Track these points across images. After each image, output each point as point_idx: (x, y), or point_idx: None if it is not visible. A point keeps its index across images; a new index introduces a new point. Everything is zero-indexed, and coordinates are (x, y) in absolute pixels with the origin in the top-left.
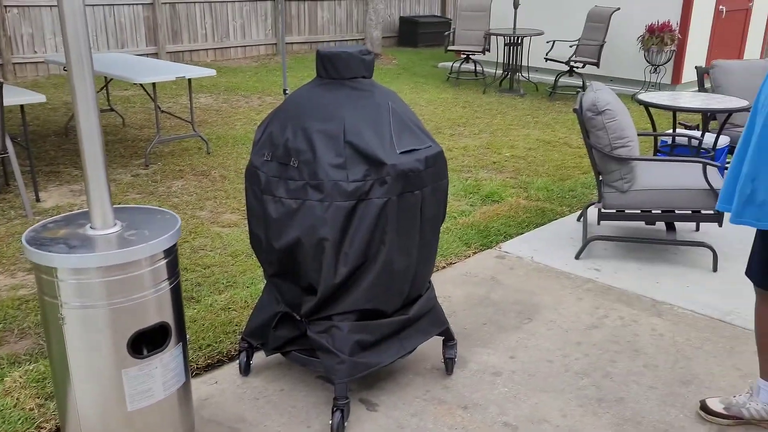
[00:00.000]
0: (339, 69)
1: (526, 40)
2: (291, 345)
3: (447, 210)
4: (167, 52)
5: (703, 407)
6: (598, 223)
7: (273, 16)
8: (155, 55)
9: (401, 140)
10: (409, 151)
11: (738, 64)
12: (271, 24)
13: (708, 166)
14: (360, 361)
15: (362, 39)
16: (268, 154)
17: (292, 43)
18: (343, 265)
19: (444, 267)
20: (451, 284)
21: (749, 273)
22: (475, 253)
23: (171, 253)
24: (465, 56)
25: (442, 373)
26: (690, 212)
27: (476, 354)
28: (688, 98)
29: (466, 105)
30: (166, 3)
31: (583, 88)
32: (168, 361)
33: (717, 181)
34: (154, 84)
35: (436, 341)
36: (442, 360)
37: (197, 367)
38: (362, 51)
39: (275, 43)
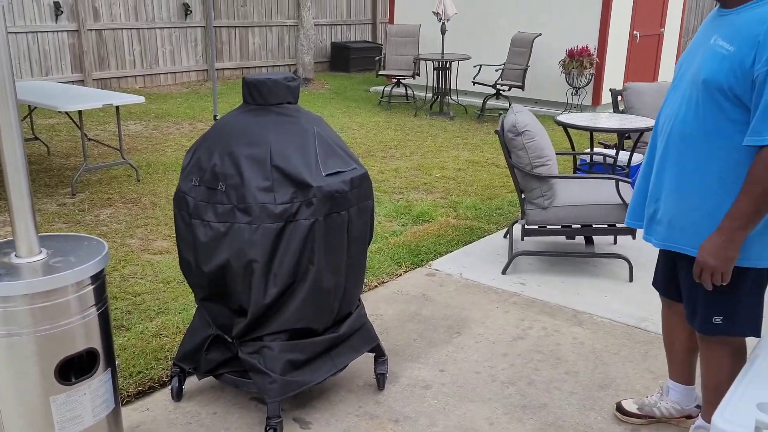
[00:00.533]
0: (265, 95)
1: (454, 65)
2: (223, 367)
3: (379, 231)
4: (94, 79)
5: (619, 408)
6: (522, 239)
7: (203, 42)
8: (81, 82)
9: (327, 163)
10: (335, 174)
11: (648, 86)
12: (202, 50)
13: (620, 183)
14: (292, 380)
15: (294, 64)
16: (196, 179)
17: (223, 69)
18: (273, 285)
19: (376, 286)
20: (383, 302)
21: (655, 284)
22: (406, 271)
23: (98, 279)
24: (396, 81)
25: (374, 389)
26: (606, 226)
27: (407, 369)
28: (606, 119)
29: (398, 128)
30: (92, 30)
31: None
32: (97, 387)
33: (629, 196)
34: (80, 112)
35: (368, 358)
36: (374, 376)
37: (128, 395)
38: (287, 78)
39: (206, 69)
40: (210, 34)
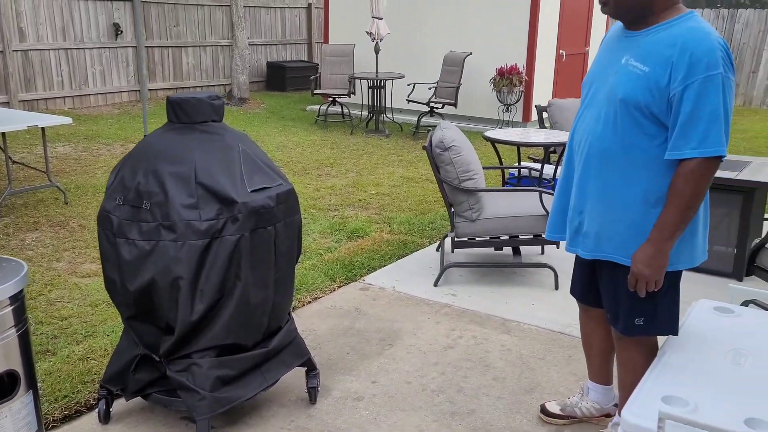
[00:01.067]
0: (189, 114)
1: (388, 83)
2: (152, 387)
3: (314, 247)
4: (20, 101)
5: (543, 410)
6: (453, 252)
7: (135, 62)
8: (6, 104)
9: (252, 179)
10: (261, 189)
11: (571, 102)
12: (134, 70)
13: (544, 194)
14: (221, 396)
15: (229, 84)
16: (120, 198)
17: (156, 89)
18: (200, 302)
19: (310, 302)
20: (317, 317)
21: (572, 291)
22: (340, 286)
23: (17, 300)
24: (332, 99)
25: (306, 403)
26: (532, 236)
27: (339, 382)
28: (535, 134)
29: (334, 146)
30: (17, 50)
31: None
32: (18, 409)
33: None
34: (3, 134)
35: (300, 372)
36: (306, 390)
37: (54, 420)
38: (211, 96)
39: (138, 90)
40: (140, 53)
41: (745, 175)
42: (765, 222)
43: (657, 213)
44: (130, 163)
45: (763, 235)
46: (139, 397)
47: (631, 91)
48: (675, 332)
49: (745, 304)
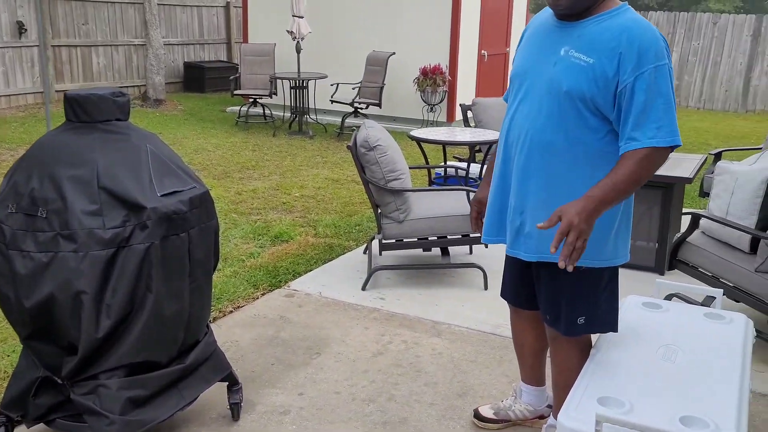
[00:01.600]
0: (89, 112)
1: (311, 83)
2: (55, 412)
3: (236, 254)
4: None
5: (476, 415)
6: (381, 254)
7: (41, 62)
8: None
9: (162, 182)
10: (172, 193)
11: (494, 100)
12: (40, 71)
13: (471, 194)
14: (133, 420)
15: (144, 85)
16: (12, 205)
17: (64, 90)
18: (106, 317)
19: (232, 311)
20: (240, 328)
21: (503, 294)
22: (263, 294)
23: None
24: (252, 100)
25: (229, 420)
26: (461, 236)
27: (264, 395)
28: (461, 133)
29: (256, 148)
30: None
31: None
32: None
33: None
34: None
35: (221, 387)
36: (228, 406)
37: None
38: (115, 93)
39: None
40: (42, 53)
41: (664, 171)
42: (683, 216)
43: None
44: (23, 167)
45: (683, 230)
46: (42, 424)
47: (575, 82)
48: (615, 329)
49: (669, 297)
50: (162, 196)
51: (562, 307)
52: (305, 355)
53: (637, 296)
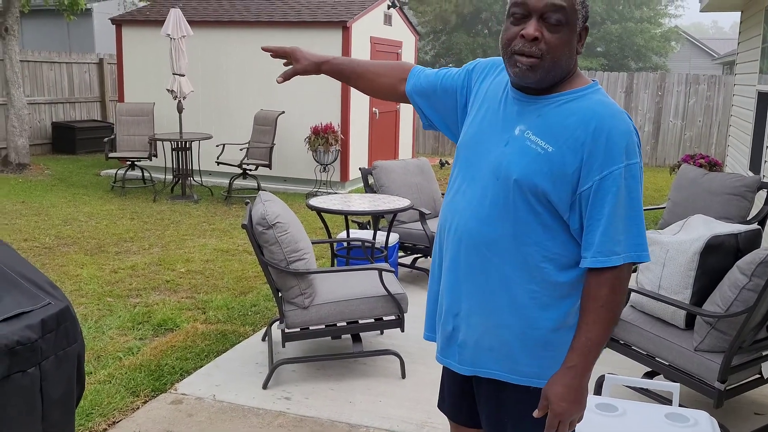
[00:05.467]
0: None
1: (195, 144)
2: None
3: (110, 350)
4: None
5: None
6: (283, 346)
7: None
8: None
9: (2, 303)
10: (16, 317)
11: (396, 163)
12: None
13: (384, 273)
14: None
15: (4, 149)
16: None
17: None
18: None
19: (105, 429)
20: None
21: (441, 407)
22: (145, 402)
23: None
24: (130, 163)
25: None
26: (373, 320)
27: None
28: (358, 200)
29: (135, 216)
30: None
31: (258, 188)
32: None
33: (394, 285)
34: None
35: None
36: None
37: None
38: None
39: None
40: None
41: None
42: None
43: (550, 317)
44: None
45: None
46: None
47: (528, 173)
48: None
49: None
50: (1, 322)
51: (507, 430)
52: None
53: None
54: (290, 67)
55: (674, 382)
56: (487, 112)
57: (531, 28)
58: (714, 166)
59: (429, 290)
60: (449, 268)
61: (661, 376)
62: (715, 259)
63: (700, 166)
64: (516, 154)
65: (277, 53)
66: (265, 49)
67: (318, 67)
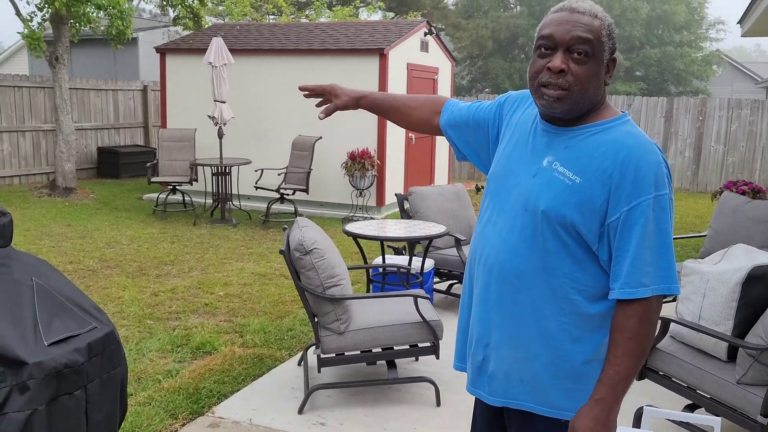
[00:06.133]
0: None
1: (234, 169)
2: None
3: (150, 372)
4: None
5: None
6: (319, 371)
7: None
8: None
9: (51, 327)
10: (64, 340)
11: (432, 189)
12: None
13: (420, 299)
14: None
15: (53, 173)
16: None
17: None
18: None
19: None
20: None
21: None
22: (183, 424)
23: None
24: (171, 187)
25: None
26: (408, 347)
27: None
28: (393, 226)
29: (175, 239)
30: None
31: (295, 212)
32: None
33: (429, 311)
34: None
35: None
36: None
37: None
38: None
39: None
40: None
41: None
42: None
43: (582, 350)
44: None
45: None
46: None
47: (556, 204)
48: None
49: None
50: (50, 345)
51: None
52: None
53: (625, 429)
54: (331, 103)
55: (716, 415)
56: (517, 144)
57: (557, 61)
58: (757, 193)
59: (459, 320)
60: (480, 298)
61: (702, 409)
62: (758, 290)
63: (743, 193)
64: (544, 186)
65: (314, 91)
66: (302, 89)
67: (357, 102)
